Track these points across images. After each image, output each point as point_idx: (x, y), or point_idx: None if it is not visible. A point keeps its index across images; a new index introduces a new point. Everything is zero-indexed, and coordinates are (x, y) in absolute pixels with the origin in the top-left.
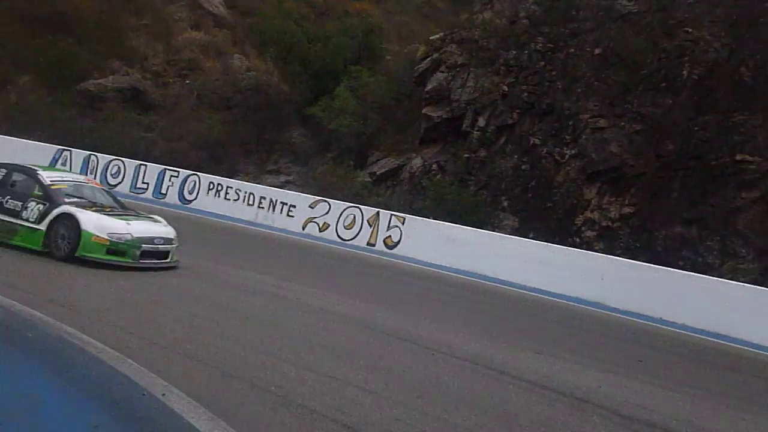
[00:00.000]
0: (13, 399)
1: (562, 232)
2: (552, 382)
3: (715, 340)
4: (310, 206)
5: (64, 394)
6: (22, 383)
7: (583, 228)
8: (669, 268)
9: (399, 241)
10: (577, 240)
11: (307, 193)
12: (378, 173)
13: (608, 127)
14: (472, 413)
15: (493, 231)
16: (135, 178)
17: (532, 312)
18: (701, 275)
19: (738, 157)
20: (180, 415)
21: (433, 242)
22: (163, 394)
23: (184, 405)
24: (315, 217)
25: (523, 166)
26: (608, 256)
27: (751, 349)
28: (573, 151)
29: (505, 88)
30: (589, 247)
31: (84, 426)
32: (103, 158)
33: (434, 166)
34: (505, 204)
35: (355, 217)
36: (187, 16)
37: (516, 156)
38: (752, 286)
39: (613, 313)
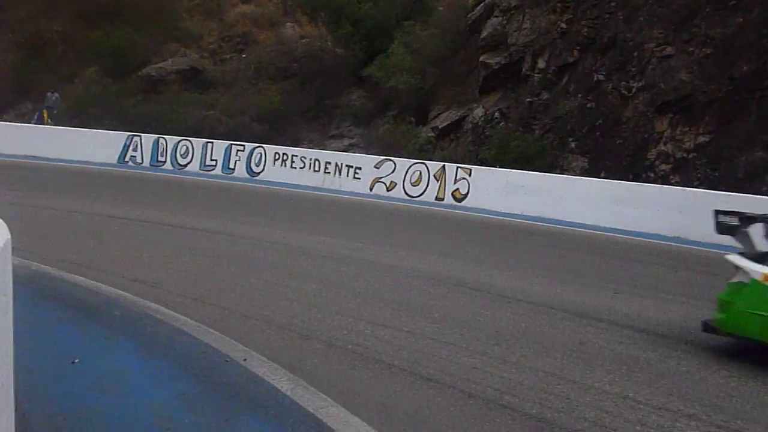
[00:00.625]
0: (104, 374)
1: (635, 169)
2: (632, 320)
3: None
4: (375, 167)
5: (152, 366)
6: (111, 359)
7: (656, 162)
8: (752, 195)
9: (467, 193)
10: (651, 175)
11: (372, 154)
12: (440, 127)
13: (675, 54)
14: (552, 357)
15: (563, 174)
16: (203, 156)
17: (608, 253)
18: None
19: None
20: (262, 378)
21: (502, 191)
22: (245, 360)
23: (266, 368)
24: (381, 177)
25: (589, 105)
26: (685, 188)
27: None
28: (640, 84)
29: (563, 25)
30: (665, 181)
31: (172, 394)
32: (172, 140)
33: (496, 114)
34: (573, 145)
35: (421, 173)
36: None
37: (580, 95)
38: None
39: (694, 247)
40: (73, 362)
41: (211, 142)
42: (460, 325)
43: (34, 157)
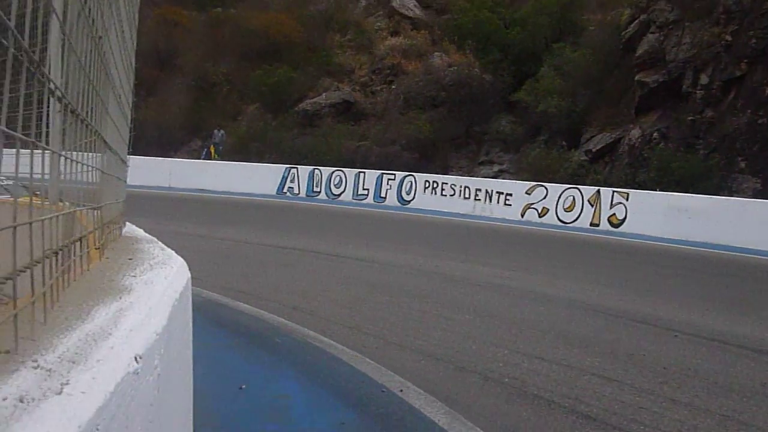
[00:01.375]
0: (269, 400)
1: None
2: None
3: None
4: (526, 192)
5: (312, 394)
6: (273, 385)
7: None
8: None
9: (625, 218)
10: None
11: (522, 180)
12: (594, 150)
13: None
14: (729, 398)
15: (731, 196)
16: (356, 185)
17: None
18: None
19: None
20: (419, 410)
21: (663, 215)
22: (401, 390)
23: (422, 400)
24: (533, 203)
25: (760, 121)
26: None
27: None
28: None
29: (729, 37)
30: None
31: (332, 423)
32: (326, 171)
33: (655, 134)
34: (743, 165)
35: (574, 198)
36: (386, 24)
37: (749, 111)
38: None
39: None
40: (240, 388)
41: (363, 172)
42: (623, 361)
43: (202, 190)
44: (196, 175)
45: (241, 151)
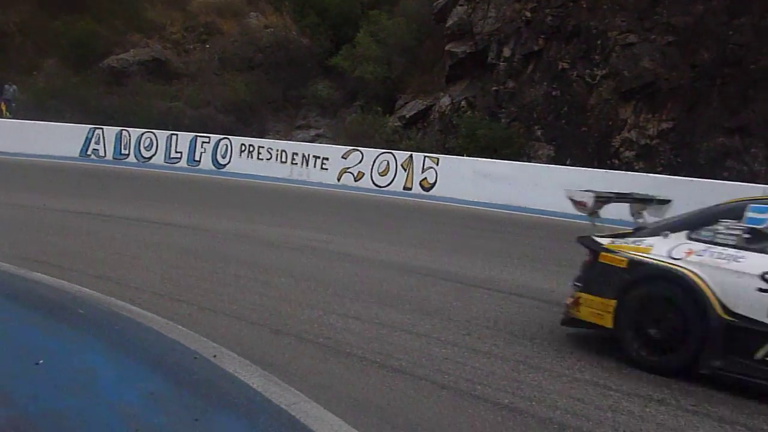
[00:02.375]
0: (71, 374)
1: (600, 156)
2: None
3: None
4: (342, 157)
5: (119, 365)
6: (77, 358)
7: (621, 149)
8: (714, 180)
9: (435, 182)
10: (616, 162)
11: (339, 145)
12: (407, 116)
13: (638, 42)
14: (523, 345)
15: (529, 162)
16: (168, 148)
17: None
18: (748, 184)
19: None
20: (233, 375)
21: (470, 180)
22: (215, 356)
23: (236, 365)
24: (349, 168)
25: (554, 93)
26: (650, 174)
27: None
28: (604, 72)
29: (528, 14)
30: (630, 167)
31: (141, 394)
32: (135, 132)
33: (463, 102)
34: (539, 133)
35: (388, 162)
36: None
37: (546, 83)
38: None
39: None
40: (37, 363)
41: (176, 134)
42: (432, 316)
43: None
44: None
45: (38, 108)
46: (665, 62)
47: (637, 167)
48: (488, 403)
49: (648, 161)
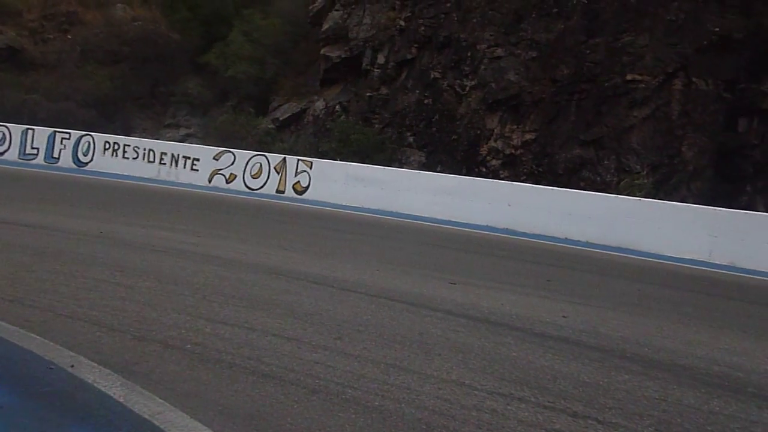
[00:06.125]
0: None
1: (469, 163)
2: (467, 309)
3: (617, 253)
4: (214, 158)
5: None
6: None
7: (488, 157)
8: (570, 189)
9: (308, 185)
10: (484, 170)
11: (210, 145)
12: (281, 119)
13: (505, 55)
14: (392, 348)
15: (401, 167)
16: (23, 143)
17: (445, 244)
18: (600, 193)
19: (628, 77)
20: (92, 385)
21: (343, 184)
22: (72, 366)
23: (96, 374)
24: (221, 169)
25: (426, 101)
26: (513, 182)
27: (648, 258)
28: (473, 82)
29: (402, 23)
30: (495, 175)
31: None
32: None
33: (337, 107)
34: (411, 140)
35: (261, 165)
36: None
37: (418, 91)
38: (647, 199)
39: (522, 238)
40: None
41: (32, 129)
42: (302, 320)
43: None
44: None
45: None
46: (529, 76)
47: (502, 175)
48: (358, 406)
49: (512, 170)
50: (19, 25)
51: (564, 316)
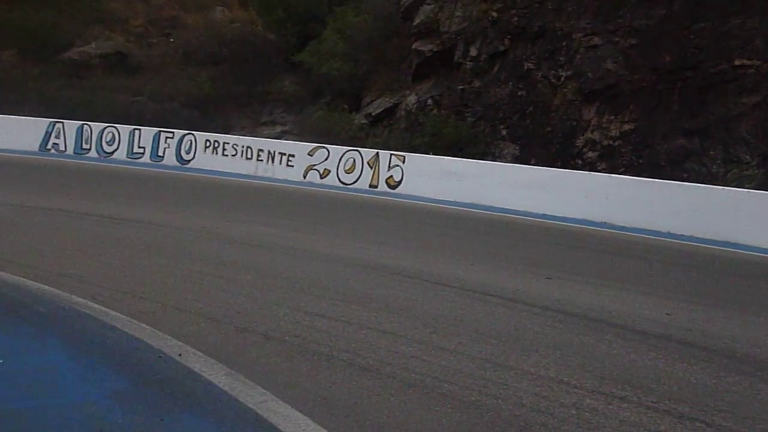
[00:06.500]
0: (31, 374)
1: (564, 156)
2: (564, 305)
3: (723, 248)
4: (308, 154)
5: (82, 365)
6: (38, 358)
7: (584, 149)
8: (673, 182)
9: (401, 180)
10: (579, 162)
11: (305, 141)
12: (374, 114)
13: (602, 44)
14: (488, 343)
15: (494, 161)
16: (130, 143)
17: (539, 238)
18: (706, 185)
19: (736, 63)
20: (198, 374)
21: (436, 178)
22: (180, 355)
23: (202, 363)
24: (315, 165)
25: (520, 93)
26: (611, 175)
27: (758, 254)
28: (568, 73)
29: (494, 14)
30: (592, 167)
31: (104, 393)
32: (97, 127)
33: (429, 101)
34: (504, 133)
35: (354, 160)
36: None
37: (511, 83)
38: (757, 191)
39: (620, 232)
40: None
41: (139, 129)
42: (397, 314)
43: None
44: None
45: None
46: (628, 64)
47: (599, 167)
48: (455, 401)
49: (610, 162)
50: (126, 31)
51: (667, 314)
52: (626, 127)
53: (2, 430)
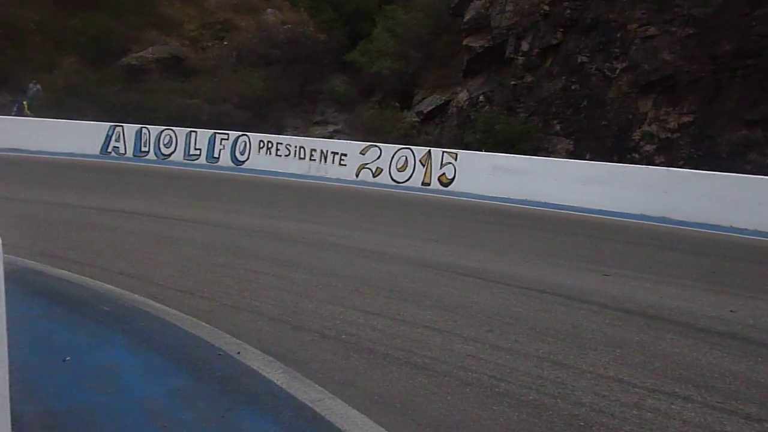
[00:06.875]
0: (97, 370)
1: (620, 150)
2: (623, 302)
3: None
4: (360, 153)
5: (144, 362)
6: (102, 355)
7: (641, 143)
8: (735, 174)
9: (453, 177)
10: (636, 156)
11: (356, 140)
12: (425, 111)
13: (658, 34)
14: (544, 341)
15: (548, 156)
16: (187, 145)
17: (596, 234)
18: None
19: None
20: (257, 371)
21: (488, 174)
22: (238, 353)
23: (260, 361)
24: (367, 163)
25: (573, 87)
26: (670, 168)
27: None
28: (623, 65)
29: (546, 7)
30: (650, 161)
31: (166, 390)
32: (155, 130)
33: (481, 97)
34: (558, 128)
35: (406, 158)
36: None
37: (564, 77)
38: None
39: (680, 227)
40: (64, 360)
41: (195, 131)
42: (452, 312)
43: (15, 149)
44: (6, 133)
45: (58, 106)
46: (685, 54)
47: (657, 161)
48: (512, 400)
49: (668, 155)
50: (181, 35)
51: (731, 311)
52: (685, 118)
53: (70, 424)
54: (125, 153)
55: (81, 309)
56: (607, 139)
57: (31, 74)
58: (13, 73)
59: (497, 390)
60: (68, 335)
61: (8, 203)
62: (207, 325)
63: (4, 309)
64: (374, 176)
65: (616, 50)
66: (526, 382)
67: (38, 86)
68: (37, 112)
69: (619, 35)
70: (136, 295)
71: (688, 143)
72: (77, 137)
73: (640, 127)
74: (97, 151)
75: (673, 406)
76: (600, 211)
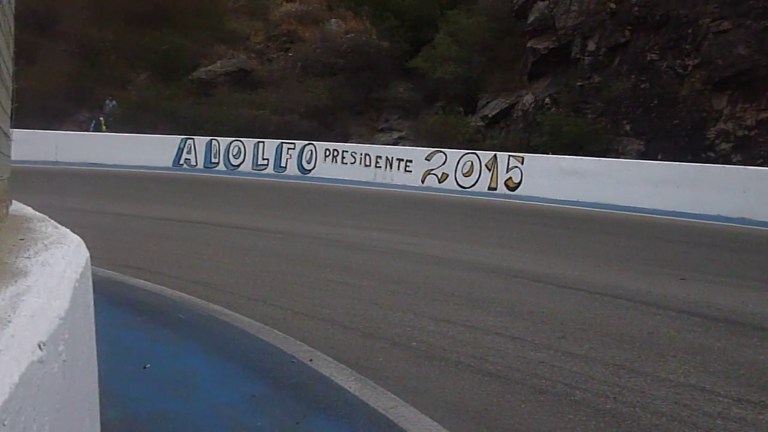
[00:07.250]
0: (175, 377)
1: (694, 149)
2: (702, 308)
3: None
4: (426, 159)
5: (220, 369)
6: (180, 362)
7: (716, 141)
8: None
9: (520, 181)
10: (712, 155)
11: (421, 146)
12: (490, 116)
13: (732, 28)
14: (620, 348)
15: (618, 158)
16: (255, 155)
17: (670, 237)
18: None
19: None
20: (329, 378)
21: (556, 178)
22: (311, 360)
23: (332, 368)
24: (433, 169)
25: (642, 85)
26: (748, 167)
27: None
28: (696, 61)
29: (613, 5)
30: (726, 160)
31: (242, 396)
32: (224, 141)
33: (546, 99)
34: (627, 128)
35: (472, 163)
36: None
37: (633, 76)
38: None
39: (760, 228)
40: (145, 367)
41: (262, 142)
42: (524, 318)
43: (92, 164)
44: (84, 148)
45: (132, 121)
46: (762, 48)
47: (734, 159)
48: (589, 409)
49: (746, 153)
50: (248, 48)
51: None
52: (763, 115)
53: (150, 429)
54: (196, 165)
55: (159, 318)
56: (680, 139)
57: (107, 91)
58: (91, 90)
59: (573, 398)
60: (148, 343)
61: (88, 215)
62: (280, 333)
63: (93, 319)
64: (440, 182)
65: (687, 46)
66: (602, 390)
67: (114, 102)
68: (113, 127)
69: (690, 31)
70: (211, 304)
71: (767, 140)
72: (150, 151)
73: (715, 125)
74: (169, 163)
75: (761, 416)
76: (674, 213)
